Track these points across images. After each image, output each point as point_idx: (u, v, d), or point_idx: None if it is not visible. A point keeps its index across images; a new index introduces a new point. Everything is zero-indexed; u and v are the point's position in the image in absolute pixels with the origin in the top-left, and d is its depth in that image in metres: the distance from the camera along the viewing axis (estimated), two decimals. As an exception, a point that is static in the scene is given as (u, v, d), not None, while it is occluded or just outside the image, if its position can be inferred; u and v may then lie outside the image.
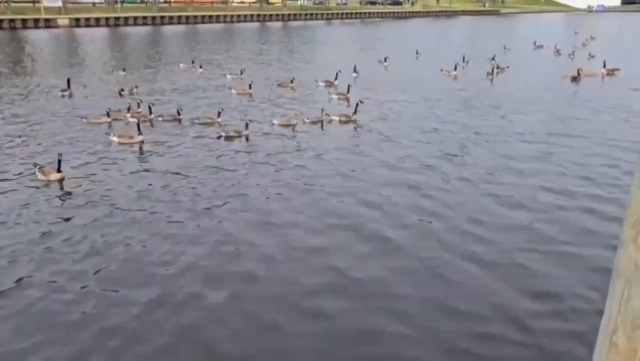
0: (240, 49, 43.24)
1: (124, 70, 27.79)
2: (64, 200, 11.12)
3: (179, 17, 74.71)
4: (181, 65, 31.03)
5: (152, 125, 17.37)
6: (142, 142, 15.07)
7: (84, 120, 17.47)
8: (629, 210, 1.57)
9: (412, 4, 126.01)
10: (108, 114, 17.70)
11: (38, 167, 12.30)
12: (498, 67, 30.07)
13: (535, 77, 29.14)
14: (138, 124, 15.49)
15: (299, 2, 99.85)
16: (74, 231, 9.49)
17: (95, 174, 12.51)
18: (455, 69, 29.55)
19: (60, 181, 11.87)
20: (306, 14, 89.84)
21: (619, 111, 20.30)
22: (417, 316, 7.04)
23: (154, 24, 71.10)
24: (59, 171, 11.94)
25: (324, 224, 9.86)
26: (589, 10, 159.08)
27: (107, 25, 66.53)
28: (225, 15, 79.86)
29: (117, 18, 68.36)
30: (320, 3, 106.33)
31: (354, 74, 27.69)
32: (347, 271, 8.19)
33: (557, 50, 41.23)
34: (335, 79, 25.28)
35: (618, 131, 17.11)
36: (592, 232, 9.58)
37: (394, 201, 11.02)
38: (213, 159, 13.79)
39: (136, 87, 22.75)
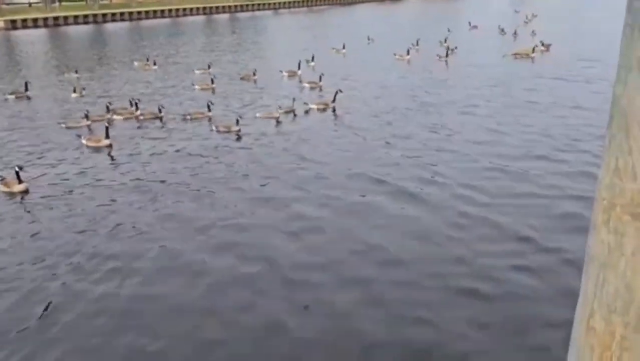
0: (191, 44, 42.49)
1: (76, 72, 26.94)
2: (28, 211, 10.93)
3: (122, 13, 72.47)
4: (135, 63, 30.31)
5: (138, 122, 17.36)
6: (109, 145, 14.89)
7: (62, 125, 17.04)
8: (599, 194, 1.54)
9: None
10: (87, 117, 17.35)
11: (0, 178, 12.04)
12: (449, 49, 31.03)
13: (483, 56, 30.30)
14: (107, 128, 15.23)
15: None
16: (38, 241, 9.47)
17: (62, 180, 12.40)
18: (408, 53, 30.25)
19: (24, 191, 11.67)
20: (253, 5, 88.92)
21: (560, 80, 23.07)
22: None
23: (95, 22, 68.65)
24: (20, 181, 11.74)
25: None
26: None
27: (46, 26, 63.72)
28: (170, 10, 77.92)
29: (56, 18, 65.53)
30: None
31: (312, 63, 27.96)
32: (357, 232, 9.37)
33: (502, 30, 42.74)
34: (299, 68, 25.54)
35: (564, 96, 19.86)
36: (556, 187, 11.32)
37: (394, 173, 12.12)
38: (198, 157, 13.78)
39: (83, 89, 22.31)
